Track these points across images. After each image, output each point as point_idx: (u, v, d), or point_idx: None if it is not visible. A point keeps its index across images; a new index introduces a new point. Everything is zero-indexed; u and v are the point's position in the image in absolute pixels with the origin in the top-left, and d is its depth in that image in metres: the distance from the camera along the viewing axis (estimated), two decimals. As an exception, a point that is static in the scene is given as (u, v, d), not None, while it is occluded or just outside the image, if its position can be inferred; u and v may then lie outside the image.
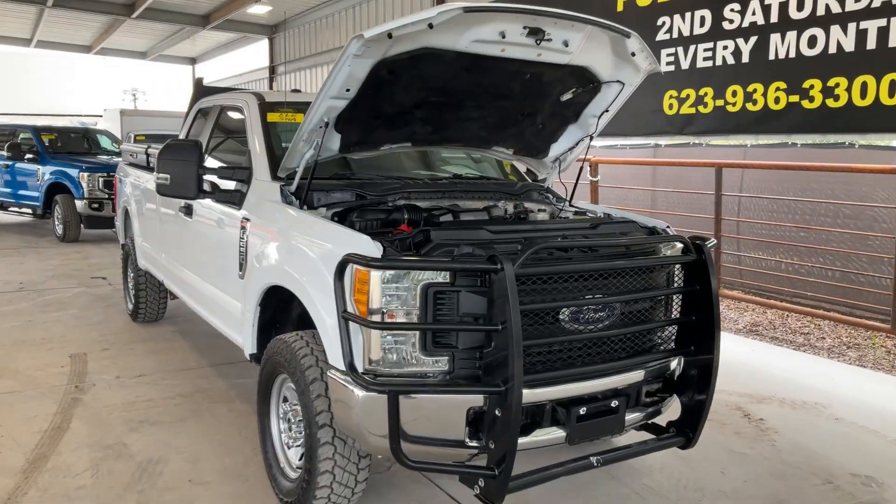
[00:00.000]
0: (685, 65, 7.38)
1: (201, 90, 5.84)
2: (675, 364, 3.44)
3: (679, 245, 3.40)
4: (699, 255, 3.34)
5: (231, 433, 4.43)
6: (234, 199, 4.03)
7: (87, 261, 10.94)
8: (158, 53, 27.03)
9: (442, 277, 2.85)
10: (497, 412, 2.76)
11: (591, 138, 4.32)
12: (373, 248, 2.86)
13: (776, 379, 5.91)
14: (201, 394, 5.13)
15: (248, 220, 3.90)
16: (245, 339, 3.89)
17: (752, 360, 6.48)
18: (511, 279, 2.70)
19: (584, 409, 3.05)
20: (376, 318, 2.79)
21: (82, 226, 12.68)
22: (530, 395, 2.90)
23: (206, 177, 4.19)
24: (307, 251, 3.26)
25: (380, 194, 3.77)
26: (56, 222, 12.97)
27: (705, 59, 7.17)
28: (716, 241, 3.64)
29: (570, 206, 4.49)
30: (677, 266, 3.42)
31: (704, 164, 8.10)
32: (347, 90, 3.29)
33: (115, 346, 6.29)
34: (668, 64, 7.54)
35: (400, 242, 3.08)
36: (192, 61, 28.90)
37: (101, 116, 23.73)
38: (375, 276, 2.78)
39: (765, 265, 8.45)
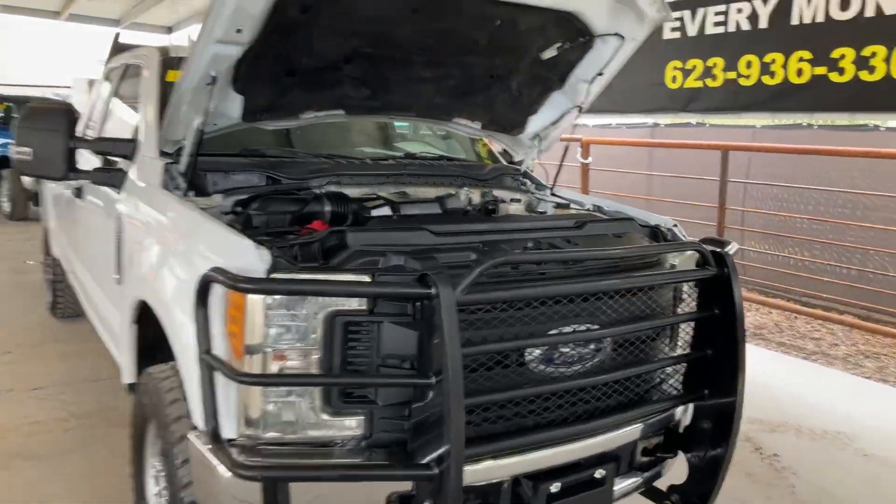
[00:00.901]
0: (692, 31, 6.46)
1: (117, 48, 4.87)
2: (681, 413, 2.57)
3: (692, 254, 2.51)
4: (720, 268, 2.46)
5: (122, 473, 3.53)
6: (115, 180, 3.10)
7: (29, 242, 9.96)
8: (132, 21, 25.75)
9: (358, 303, 1.98)
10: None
11: (580, 110, 3.41)
12: (254, 259, 1.97)
13: (788, 398, 5.07)
14: (101, 414, 4.23)
15: (124, 207, 2.98)
16: (122, 362, 2.99)
17: (759, 373, 5.60)
18: (450, 310, 1.81)
19: (558, 484, 2.19)
20: (256, 358, 1.91)
21: (31, 203, 11.68)
22: (482, 470, 2.05)
23: (86, 152, 3.27)
24: (172, 258, 2.35)
25: (299, 178, 2.86)
26: (2, 199, 11.99)
27: (716, 24, 6.25)
28: (737, 247, 2.75)
29: (553, 195, 3.58)
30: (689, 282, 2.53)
31: (709, 147, 7.21)
32: (239, 31, 2.36)
33: (22, 349, 5.38)
34: (672, 30, 6.61)
35: (302, 249, 2.18)
36: (169, 30, 27.63)
37: (70, 87, 22.56)
38: (255, 300, 1.90)
39: (772, 260, 7.60)
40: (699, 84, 6.46)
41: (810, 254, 7.31)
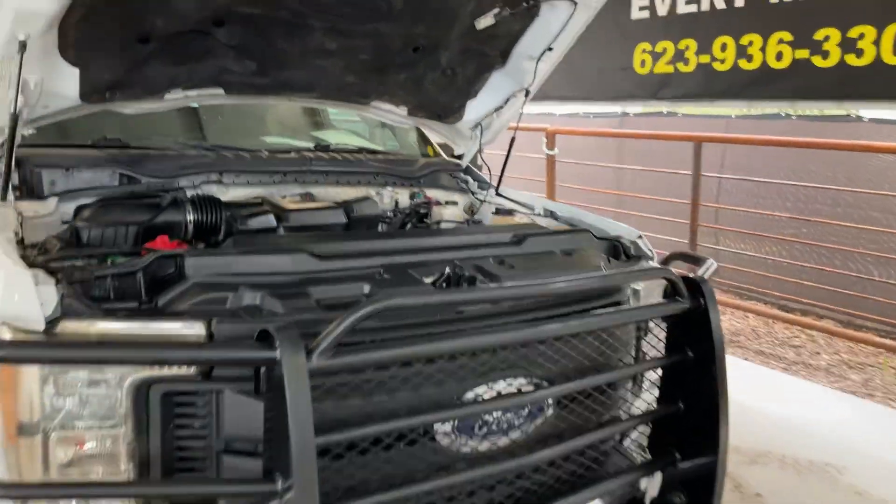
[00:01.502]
0: (662, 10, 5.86)
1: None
2: (646, 483, 1.99)
3: (661, 281, 1.93)
4: (694, 299, 1.88)
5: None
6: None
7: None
8: None
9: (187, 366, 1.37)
10: None
11: (528, 94, 2.81)
12: (31, 301, 1.34)
13: (770, 421, 4.53)
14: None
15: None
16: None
17: (737, 390, 5.07)
18: (298, 384, 1.20)
19: None
20: (35, 442, 1.32)
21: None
22: None
23: None
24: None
25: (164, 176, 2.22)
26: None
27: (688, 2, 5.67)
28: (714, 266, 2.18)
29: (498, 195, 2.98)
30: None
31: (681, 138, 6.67)
32: (44, -24, 1.71)
33: None
34: (640, 9, 6.01)
35: (121, 281, 1.55)
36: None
37: None
38: (29, 369, 1.29)
39: (748, 261, 7.10)
40: (670, 69, 5.88)
41: (789, 254, 6.81)
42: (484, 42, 2.56)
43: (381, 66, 2.52)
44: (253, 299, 1.51)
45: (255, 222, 2.08)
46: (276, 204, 2.19)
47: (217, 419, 1.40)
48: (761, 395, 5.00)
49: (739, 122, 7.54)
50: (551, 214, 2.75)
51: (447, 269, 1.77)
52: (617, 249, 2.36)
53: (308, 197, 2.51)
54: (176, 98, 2.32)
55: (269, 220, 2.10)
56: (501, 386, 1.64)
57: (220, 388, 1.37)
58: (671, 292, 1.92)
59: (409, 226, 2.79)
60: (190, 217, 2.09)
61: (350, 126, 3.57)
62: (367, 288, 1.66)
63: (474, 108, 2.89)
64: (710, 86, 5.81)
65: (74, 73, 2.07)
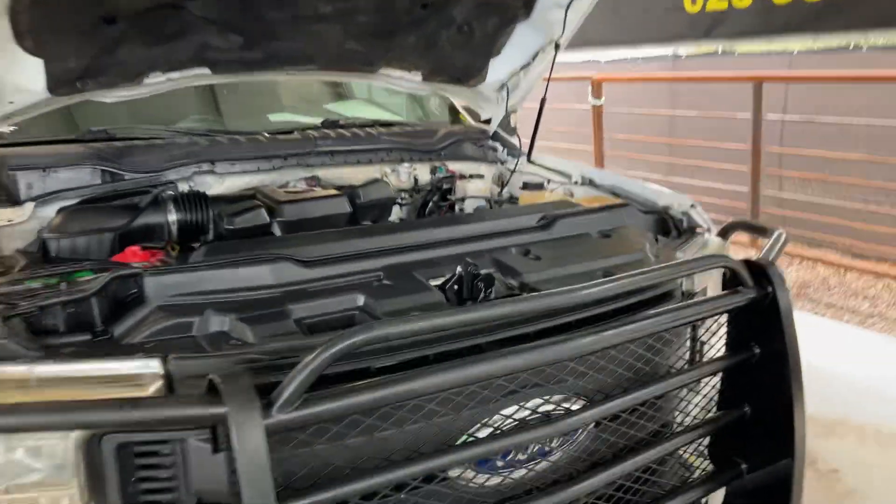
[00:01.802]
0: (713, -62, 5.34)
1: None
2: (707, 499, 1.72)
3: (720, 270, 1.62)
4: (762, 287, 1.56)
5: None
6: None
7: None
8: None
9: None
10: None
11: (558, 47, 2.47)
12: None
13: (846, 384, 4.14)
14: None
15: None
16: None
17: (808, 350, 4.69)
18: (253, 446, 0.96)
19: None
20: None
21: None
22: None
23: None
24: None
25: (149, 170, 2.01)
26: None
27: (743, -73, 5.13)
28: (784, 236, 1.84)
29: (530, 163, 2.68)
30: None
31: (738, 79, 6.14)
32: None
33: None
34: (689, -61, 5.49)
35: (71, 310, 1.34)
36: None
37: None
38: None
39: (816, 208, 6.56)
40: (723, 5, 5.36)
41: (862, 199, 6.26)
42: (503, -8, 2.23)
43: (386, 28, 2.22)
44: (220, 325, 1.28)
45: (244, 219, 1.84)
46: (268, 196, 1.95)
47: (185, 470, 1.18)
48: (835, 355, 4.59)
49: (804, 57, 6.91)
50: (590, 183, 2.43)
51: (458, 269, 1.49)
52: (666, 223, 2.04)
53: (314, 182, 2.26)
54: (157, 82, 2.08)
55: (260, 215, 1.86)
56: (531, 405, 1.38)
57: (181, 437, 1.15)
58: (732, 279, 1.60)
59: (430, 206, 2.52)
60: (172, 217, 1.86)
61: (382, 98, 3.28)
62: (361, 299, 1.40)
63: (498, 68, 2.57)
64: (770, 20, 5.28)
65: (37, 63, 1.84)
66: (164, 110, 2.70)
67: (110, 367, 1.19)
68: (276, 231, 1.87)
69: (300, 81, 2.94)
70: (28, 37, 1.77)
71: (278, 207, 1.87)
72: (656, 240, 1.88)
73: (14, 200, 1.97)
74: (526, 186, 2.41)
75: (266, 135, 2.35)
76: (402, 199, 2.42)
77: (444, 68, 2.49)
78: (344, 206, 1.97)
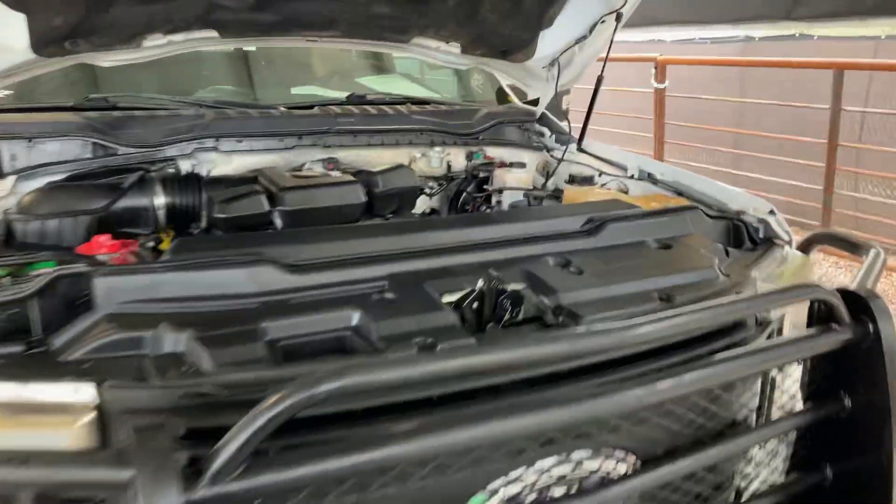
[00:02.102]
0: None
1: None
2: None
3: (806, 300, 1.30)
4: (862, 327, 1.23)
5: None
6: None
7: None
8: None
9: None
10: None
11: (620, 18, 2.14)
12: None
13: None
14: None
15: None
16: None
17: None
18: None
19: None
20: None
21: None
22: None
23: None
24: None
25: (146, 145, 1.78)
26: None
27: None
28: (883, 255, 1.50)
29: (581, 151, 2.36)
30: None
31: (818, 66, 5.63)
32: None
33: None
34: None
35: (11, 313, 1.10)
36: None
37: None
38: None
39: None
40: (809, -19, 4.86)
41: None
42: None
43: (420, -10, 1.93)
44: (175, 344, 1.03)
45: (237, 207, 1.58)
46: (272, 180, 1.69)
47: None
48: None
49: (891, 44, 6.32)
50: (649, 177, 2.11)
51: (480, 283, 1.21)
52: (739, 231, 1.71)
53: (332, 165, 2.00)
54: (159, 45, 1.84)
55: (257, 203, 1.60)
56: (549, 464, 1.10)
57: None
58: (823, 312, 1.28)
59: (463, 196, 2.24)
60: (160, 201, 1.63)
61: (427, 74, 2.99)
62: (355, 317, 1.13)
63: (549, 41, 2.24)
64: (856, 1, 4.76)
65: (19, 19, 1.61)
66: (193, 79, 2.48)
67: (32, 391, 0.96)
68: (277, 222, 1.61)
69: (333, 52, 2.67)
70: (2, -10, 1.54)
71: (279, 194, 1.61)
72: (727, 253, 1.56)
73: (-1, 172, 1.78)
74: (573, 180, 2.09)
75: (282, 109, 2.10)
76: (429, 187, 2.14)
77: (486, 39, 2.19)
78: (357, 196, 1.70)
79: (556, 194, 2.15)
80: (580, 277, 1.33)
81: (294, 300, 1.17)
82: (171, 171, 1.77)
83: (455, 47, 2.19)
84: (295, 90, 2.44)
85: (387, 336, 1.10)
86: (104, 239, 1.38)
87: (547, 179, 2.33)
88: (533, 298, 1.26)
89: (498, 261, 1.36)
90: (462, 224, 1.54)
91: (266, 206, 1.58)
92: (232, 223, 1.57)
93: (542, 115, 2.55)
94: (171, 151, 1.88)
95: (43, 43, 1.68)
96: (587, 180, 2.06)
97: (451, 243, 1.38)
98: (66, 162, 1.80)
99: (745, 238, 1.69)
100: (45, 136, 1.81)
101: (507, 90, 2.78)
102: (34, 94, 2.25)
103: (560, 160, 2.33)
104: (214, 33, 1.85)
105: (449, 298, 1.24)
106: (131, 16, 1.73)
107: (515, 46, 2.24)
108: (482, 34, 2.17)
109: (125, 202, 1.60)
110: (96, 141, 1.82)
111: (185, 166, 1.93)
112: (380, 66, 2.97)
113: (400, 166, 1.89)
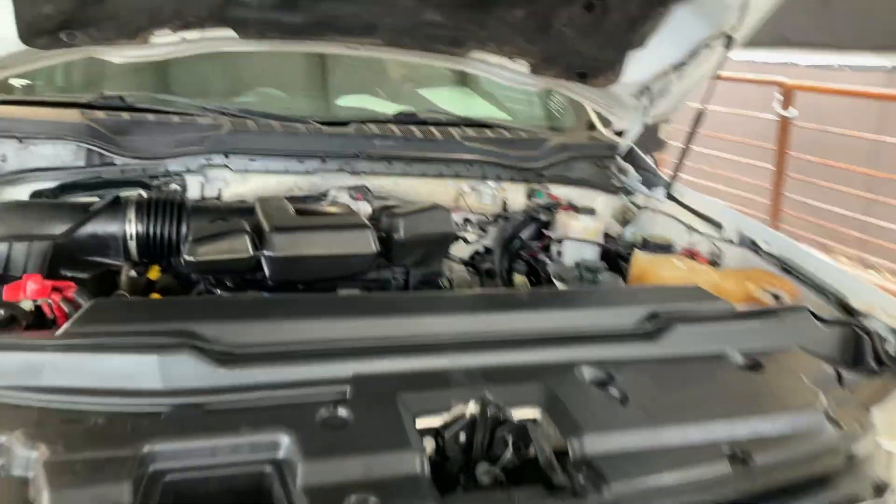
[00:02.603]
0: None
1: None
2: None
3: None
4: None
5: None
6: None
7: None
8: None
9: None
10: None
11: (730, 43, 1.71)
12: None
13: None
14: None
15: None
16: None
17: None
18: None
19: None
20: None
21: None
22: None
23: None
24: None
25: (153, 155, 1.55)
26: None
27: None
28: None
29: (671, 198, 1.96)
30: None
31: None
32: None
33: None
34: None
35: None
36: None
37: None
38: None
39: None
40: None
41: None
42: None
43: (480, -6, 1.58)
44: (25, 467, 0.74)
45: (211, 249, 1.28)
46: (268, 214, 1.38)
47: None
48: None
49: None
50: (751, 245, 1.67)
51: (470, 407, 0.86)
52: (860, 342, 1.27)
53: (359, 195, 1.69)
54: (169, 43, 1.58)
55: (237, 244, 1.29)
56: None
57: None
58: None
59: (515, 243, 1.88)
60: (131, 229, 1.36)
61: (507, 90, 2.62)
62: (283, 446, 0.81)
63: (640, 64, 1.84)
64: None
65: (5, 5, 1.40)
66: (270, 78, 2.24)
67: None
68: (266, 270, 1.31)
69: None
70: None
71: (268, 235, 1.30)
72: (839, 378, 1.13)
73: (-16, 174, 1.58)
74: (646, 245, 1.67)
75: (315, 123, 1.80)
76: (468, 229, 1.79)
77: (560, 58, 1.81)
78: (367, 244, 1.36)
79: (624, 252, 1.74)
80: (622, 409, 0.95)
81: (212, 406, 0.87)
82: (155, 192, 1.51)
83: (522, 65, 1.83)
84: (343, 101, 2.14)
85: (314, 487, 0.77)
86: (32, 281, 1.13)
87: (623, 228, 1.93)
88: (545, 437, 0.89)
89: (511, 367, 1.00)
90: (474, 307, 1.18)
91: (250, 250, 1.29)
92: (204, 268, 1.29)
93: (629, 150, 2.15)
94: (174, 166, 1.63)
95: (32, 32, 1.46)
96: (664, 248, 1.63)
97: (451, 335, 1.04)
98: (51, 169, 1.58)
99: (868, 354, 1.25)
100: (37, 136, 1.59)
101: (594, 117, 2.39)
102: (63, 86, 2.09)
103: (640, 208, 1.93)
104: (231, 33, 1.58)
105: (428, 422, 0.90)
106: (131, 7, 1.48)
107: (597, 68, 1.85)
108: (556, 52, 1.79)
109: (92, 227, 1.35)
110: (92, 147, 1.59)
111: (193, 184, 1.68)
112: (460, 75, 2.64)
113: (433, 207, 1.54)
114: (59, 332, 0.92)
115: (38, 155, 1.61)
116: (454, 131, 1.93)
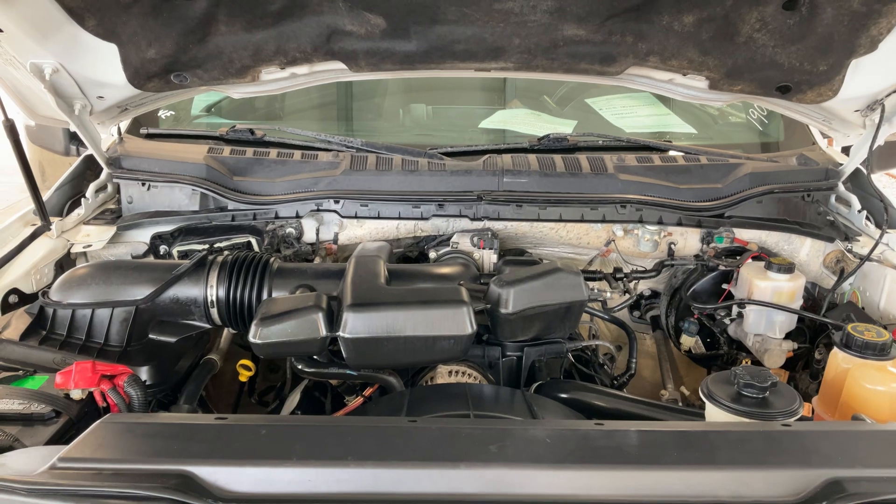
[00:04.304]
0: None
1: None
2: None
3: None
4: None
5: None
6: None
7: None
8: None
9: None
10: None
11: None
12: None
13: None
14: None
15: None
16: None
17: None
18: None
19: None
20: None
21: None
22: None
23: None
24: None
25: (262, 201, 1.47)
26: None
27: None
28: None
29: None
30: None
31: None
32: None
33: None
34: None
35: None
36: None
37: None
38: None
39: None
40: None
41: None
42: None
43: (634, 1, 1.23)
44: None
45: (278, 331, 1.08)
46: (361, 278, 1.17)
47: None
48: None
49: None
50: None
51: None
52: None
53: (482, 243, 1.43)
54: (279, 78, 1.44)
55: (312, 324, 1.07)
56: None
57: None
58: None
59: (679, 300, 1.52)
60: (212, 295, 1.24)
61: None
62: None
63: (866, 74, 1.35)
64: None
65: (111, 50, 1.35)
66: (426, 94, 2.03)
67: None
68: (343, 353, 1.11)
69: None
70: (88, 14, 1.27)
71: (343, 313, 1.10)
72: None
73: (119, 214, 1.59)
74: (848, 343, 1.16)
75: (440, 155, 1.58)
76: (617, 285, 1.46)
77: (751, 72, 1.38)
78: (460, 325, 1.09)
79: (831, 324, 1.29)
80: None
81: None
82: (241, 251, 1.38)
83: (699, 80, 1.43)
84: (486, 123, 1.87)
85: None
86: (81, 369, 1.05)
87: (840, 281, 1.46)
88: None
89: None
90: (557, 455, 0.85)
91: (321, 332, 1.10)
92: (270, 352, 1.13)
93: (853, 178, 1.65)
94: (285, 211, 1.51)
95: (142, 77, 1.41)
96: (877, 349, 1.13)
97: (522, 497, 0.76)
98: (168, 213, 1.53)
99: None
100: (156, 179, 1.56)
101: (813, 130, 1.89)
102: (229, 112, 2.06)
103: (864, 259, 1.45)
104: (342, 66, 1.40)
105: None
106: (232, 47, 1.36)
107: (803, 82, 1.40)
108: (744, 64, 1.37)
109: (174, 291, 1.26)
110: (205, 190, 1.52)
111: (309, 227, 1.55)
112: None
113: (555, 270, 1.24)
114: (48, 465, 0.81)
115: (159, 196, 1.58)
116: (609, 160, 1.59)
